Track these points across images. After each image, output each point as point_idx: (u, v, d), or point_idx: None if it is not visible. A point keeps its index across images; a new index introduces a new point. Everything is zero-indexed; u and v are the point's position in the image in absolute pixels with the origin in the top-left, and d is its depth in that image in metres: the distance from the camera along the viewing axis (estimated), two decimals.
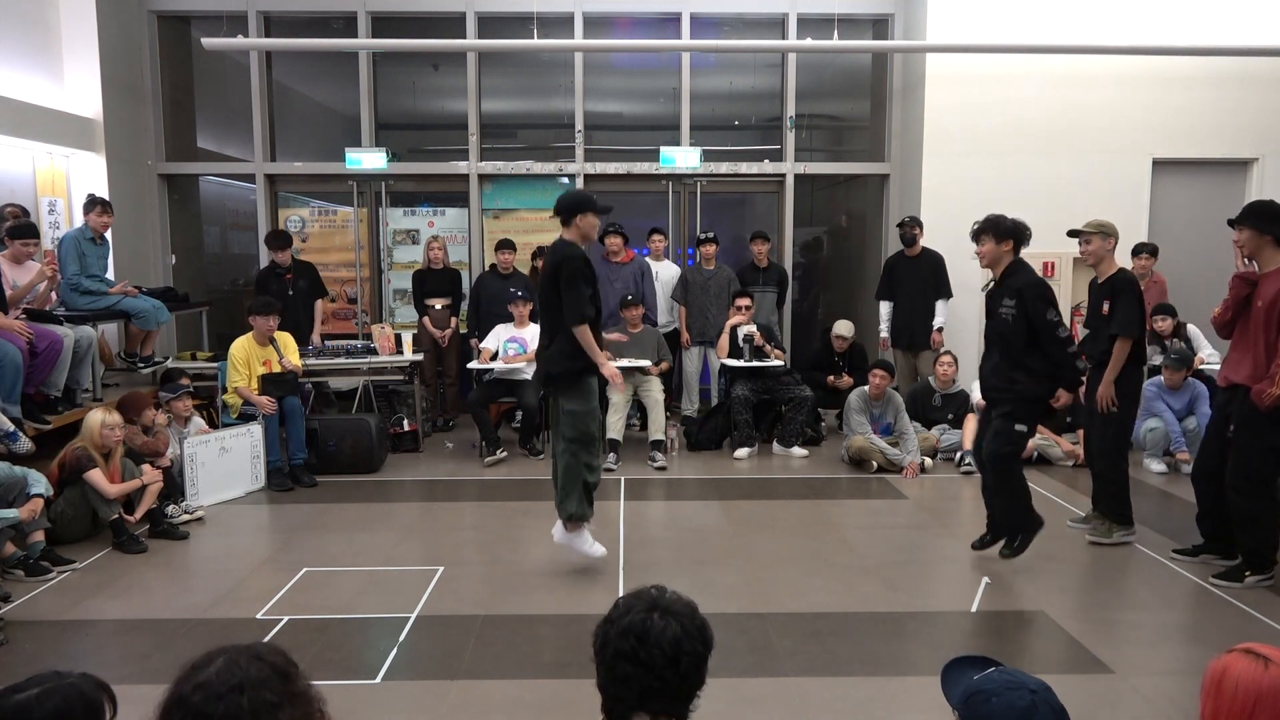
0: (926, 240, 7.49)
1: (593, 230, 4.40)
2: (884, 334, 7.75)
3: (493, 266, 7.78)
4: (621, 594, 1.80)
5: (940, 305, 7.41)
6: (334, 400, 7.95)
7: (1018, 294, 4.40)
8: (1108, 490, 5.01)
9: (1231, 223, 4.36)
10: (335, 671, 3.53)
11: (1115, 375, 4.82)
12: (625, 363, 6.53)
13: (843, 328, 7.58)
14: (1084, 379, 4.85)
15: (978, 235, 4.56)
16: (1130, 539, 4.99)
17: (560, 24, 8.43)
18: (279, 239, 7.55)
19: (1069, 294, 7.72)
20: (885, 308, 7.69)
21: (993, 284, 4.62)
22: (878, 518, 5.60)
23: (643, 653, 1.55)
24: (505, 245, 7.67)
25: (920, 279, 7.40)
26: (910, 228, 7.45)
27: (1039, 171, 7.93)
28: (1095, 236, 4.91)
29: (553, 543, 4.58)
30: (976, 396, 6.40)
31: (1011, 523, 4.62)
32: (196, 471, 5.70)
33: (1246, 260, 4.33)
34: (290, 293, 7.45)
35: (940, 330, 7.42)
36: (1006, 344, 4.47)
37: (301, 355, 6.68)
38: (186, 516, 5.39)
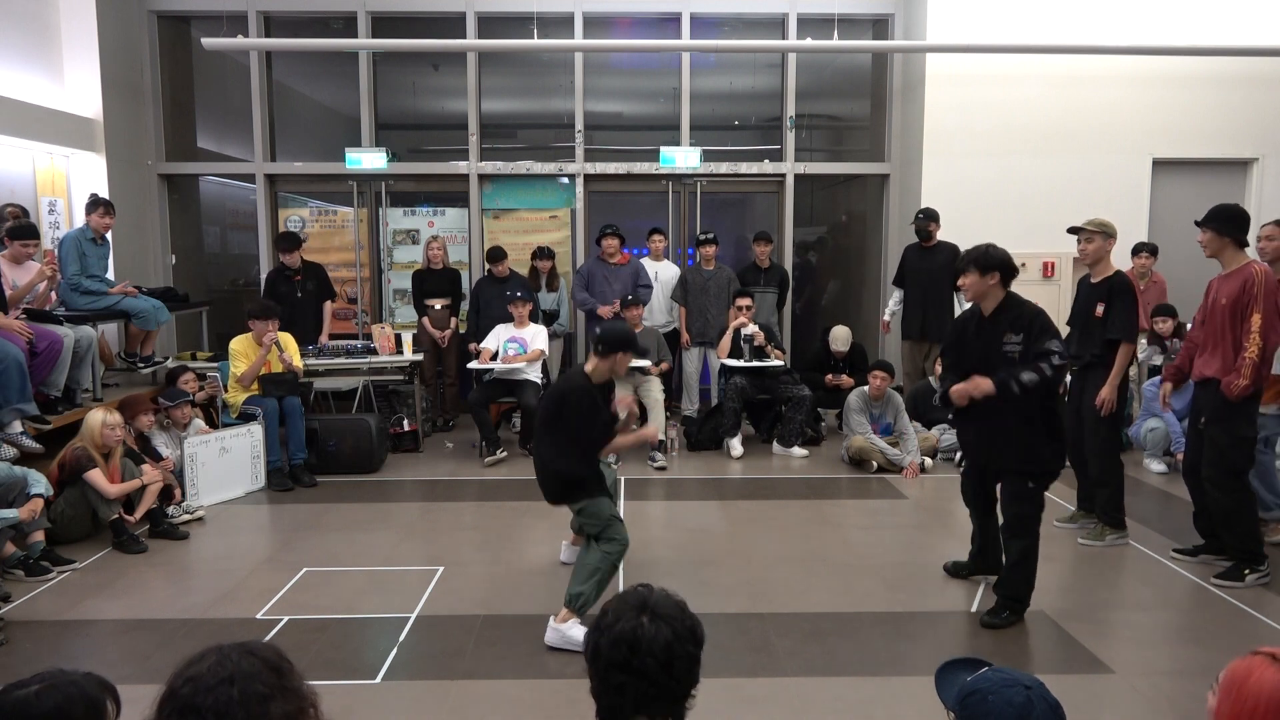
0: None
1: (622, 368, 4.02)
2: (885, 317, 7.75)
3: (489, 272, 7.77)
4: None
5: (960, 298, 7.27)
6: (332, 408, 7.94)
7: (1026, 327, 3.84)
8: (1104, 492, 5.02)
9: (1198, 223, 4.47)
10: (335, 671, 3.53)
11: (1119, 380, 4.83)
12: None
13: (839, 339, 7.52)
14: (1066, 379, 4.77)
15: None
16: (1121, 542, 5.00)
17: (560, 24, 8.44)
18: (287, 240, 7.49)
19: (1069, 294, 7.71)
20: (896, 294, 7.63)
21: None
22: (878, 518, 5.60)
23: (635, 661, 1.53)
24: (497, 256, 7.59)
25: (934, 270, 7.29)
26: (925, 223, 7.35)
27: (1039, 171, 7.93)
28: (1097, 236, 4.89)
29: (543, 537, 4.51)
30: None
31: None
32: (196, 471, 5.70)
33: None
34: (299, 295, 7.44)
35: None
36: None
37: (304, 355, 6.68)
38: (186, 516, 5.40)
